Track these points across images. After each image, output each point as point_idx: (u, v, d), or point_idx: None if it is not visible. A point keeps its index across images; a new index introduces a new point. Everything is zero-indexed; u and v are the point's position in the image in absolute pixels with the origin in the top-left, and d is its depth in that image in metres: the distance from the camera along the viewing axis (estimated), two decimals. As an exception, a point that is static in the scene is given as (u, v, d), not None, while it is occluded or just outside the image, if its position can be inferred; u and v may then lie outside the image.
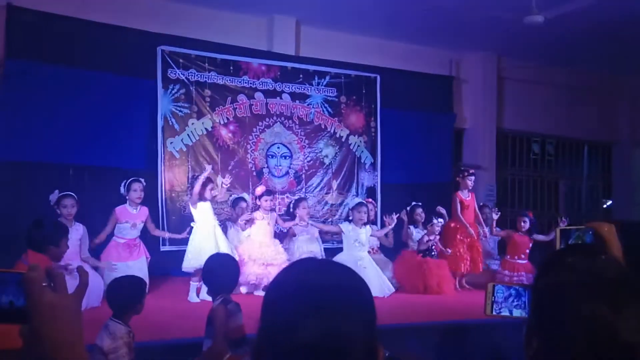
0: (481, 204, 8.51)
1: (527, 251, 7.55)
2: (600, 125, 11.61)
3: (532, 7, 7.32)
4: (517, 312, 1.56)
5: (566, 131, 11.32)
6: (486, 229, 7.83)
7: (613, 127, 11.87)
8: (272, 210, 7.28)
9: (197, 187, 6.53)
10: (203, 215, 6.60)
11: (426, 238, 7.34)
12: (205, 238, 6.41)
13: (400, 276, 7.28)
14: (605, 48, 9.62)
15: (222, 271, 3.66)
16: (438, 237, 7.42)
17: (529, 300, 1.45)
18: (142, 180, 6.54)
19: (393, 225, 7.26)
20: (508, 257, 7.67)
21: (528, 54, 10.10)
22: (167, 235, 7.09)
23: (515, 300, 1.56)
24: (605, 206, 12.45)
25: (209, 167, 6.89)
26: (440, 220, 7.45)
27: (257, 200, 7.12)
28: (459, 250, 7.53)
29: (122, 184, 6.47)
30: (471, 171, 7.99)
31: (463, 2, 7.98)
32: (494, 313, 1.57)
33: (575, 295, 1.11)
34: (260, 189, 7.36)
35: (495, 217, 7.73)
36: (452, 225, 7.70)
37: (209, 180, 6.76)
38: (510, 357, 4.28)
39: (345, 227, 7.20)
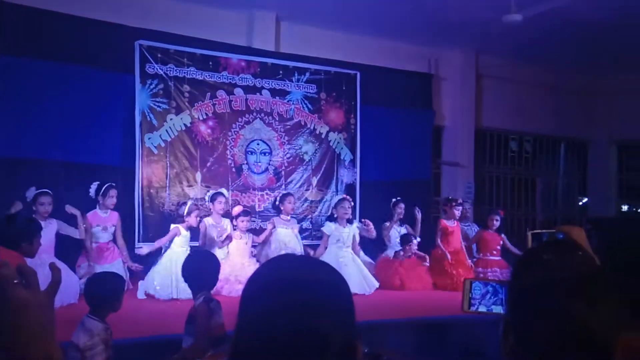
0: (459, 200, 8.57)
1: (499, 247, 7.67)
2: (577, 124, 11.77)
3: (510, 5, 7.39)
4: (495, 309, 1.57)
5: (543, 129, 11.46)
6: (468, 262, 7.82)
7: (589, 125, 12.03)
8: (249, 231, 7.25)
9: (163, 241, 6.50)
10: (176, 240, 6.56)
11: (402, 254, 7.44)
12: (175, 265, 6.16)
13: (377, 277, 7.32)
14: (582, 47, 9.74)
15: (202, 269, 3.64)
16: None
17: (505, 297, 1.46)
18: (114, 184, 6.51)
19: (374, 235, 7.38)
20: (481, 254, 7.76)
21: (506, 52, 10.18)
22: (126, 258, 6.64)
23: (492, 296, 1.57)
24: (580, 204, 12.63)
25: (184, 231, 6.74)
26: (416, 240, 7.56)
27: (234, 220, 7.08)
28: (451, 273, 7.50)
29: (94, 187, 6.40)
30: (459, 201, 8.04)
31: (442, 0, 8.02)
32: (471, 309, 1.58)
33: (551, 292, 1.12)
34: (237, 209, 7.29)
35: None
36: (439, 252, 7.69)
37: (194, 207, 6.72)
38: (488, 353, 4.32)
39: (328, 228, 7.24)
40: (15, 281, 0.94)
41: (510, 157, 11.59)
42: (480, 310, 1.57)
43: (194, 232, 6.86)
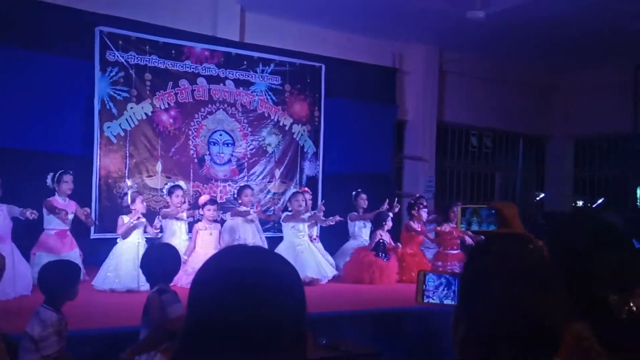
0: (417, 195, 8.67)
1: (458, 241, 7.74)
2: (536, 120, 12.03)
3: (474, 2, 7.49)
4: (447, 301, 1.60)
5: (503, 125, 11.67)
6: (428, 257, 7.92)
7: (548, 121, 12.33)
8: (217, 221, 7.04)
9: (126, 227, 6.27)
10: (133, 233, 6.38)
11: (380, 233, 7.44)
12: (127, 258, 6.07)
13: (348, 273, 7.33)
14: (542, 44, 9.94)
15: (159, 261, 3.59)
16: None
17: (457, 289, 1.48)
18: (71, 171, 6.34)
19: (332, 223, 7.38)
20: (441, 248, 7.86)
21: (469, 48, 10.33)
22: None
23: (445, 289, 1.60)
24: (537, 198, 12.93)
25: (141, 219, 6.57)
26: (390, 214, 7.60)
27: (201, 209, 6.92)
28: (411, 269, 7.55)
29: (50, 176, 6.25)
30: (425, 203, 8.08)
31: (407, -5, 8.08)
32: (424, 301, 1.60)
33: (500, 282, 1.14)
34: (203, 198, 7.14)
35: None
36: (400, 252, 7.72)
37: (135, 194, 6.56)
38: (443, 343, 4.39)
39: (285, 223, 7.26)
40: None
41: (471, 152, 11.78)
42: (433, 302, 1.59)
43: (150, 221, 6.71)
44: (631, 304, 1.41)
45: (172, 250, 3.84)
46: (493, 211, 1.77)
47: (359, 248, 7.57)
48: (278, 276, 0.97)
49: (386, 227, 7.52)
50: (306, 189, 8.21)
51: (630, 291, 1.44)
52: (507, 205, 1.79)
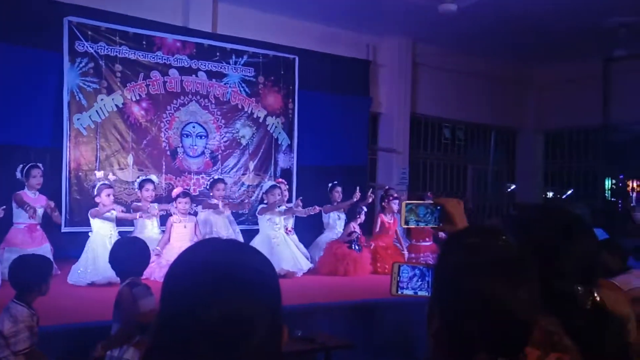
0: (387, 187, 8.70)
1: (430, 233, 7.80)
2: (507, 113, 12.18)
3: (446, -5, 7.54)
4: (421, 292, 1.60)
5: (475, 117, 11.80)
6: (403, 244, 7.98)
7: (519, 114, 12.50)
8: (190, 214, 6.97)
9: (104, 210, 6.20)
10: (102, 223, 6.29)
11: (353, 225, 7.48)
12: (102, 250, 5.93)
13: (321, 264, 7.34)
14: (514, 38, 10.06)
15: (128, 254, 3.55)
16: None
17: (431, 280, 1.49)
18: (41, 165, 6.22)
19: (312, 213, 7.39)
20: (413, 240, 7.92)
21: (442, 41, 10.40)
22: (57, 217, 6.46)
23: (419, 280, 1.60)
24: (509, 190, 13.12)
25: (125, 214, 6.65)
26: (364, 208, 7.64)
27: (174, 202, 6.85)
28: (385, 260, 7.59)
29: (19, 170, 6.12)
30: (395, 195, 8.12)
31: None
32: (398, 293, 1.61)
33: (473, 275, 1.15)
34: (176, 191, 7.05)
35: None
36: (374, 245, 7.77)
37: (107, 187, 6.46)
38: (418, 334, 4.44)
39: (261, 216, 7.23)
40: None
41: (444, 144, 11.88)
42: (407, 293, 1.60)
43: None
44: (595, 295, 1.44)
45: (139, 243, 3.79)
46: (438, 207, 1.75)
47: (332, 241, 7.59)
48: (252, 269, 0.96)
49: (359, 220, 7.57)
50: (281, 180, 8.19)
51: (595, 282, 1.47)
52: (452, 202, 1.76)
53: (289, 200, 7.99)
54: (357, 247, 7.41)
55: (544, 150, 12.92)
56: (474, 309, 1.13)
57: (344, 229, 7.70)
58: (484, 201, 12.40)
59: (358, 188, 7.79)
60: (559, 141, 12.75)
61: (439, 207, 1.74)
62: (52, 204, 6.29)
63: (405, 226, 1.89)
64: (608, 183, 11.95)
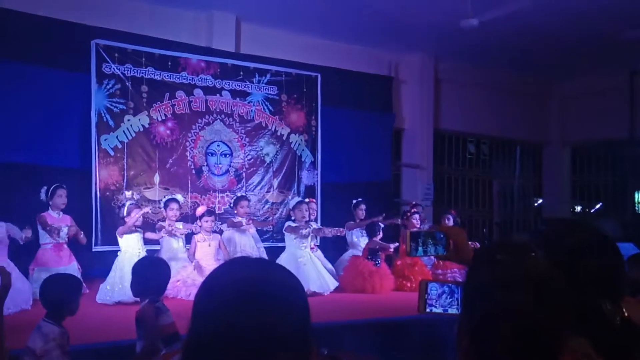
0: (413, 202, 8.65)
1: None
2: (532, 127, 12.06)
3: (467, 10, 7.52)
4: (451, 310, 1.59)
5: (500, 132, 11.70)
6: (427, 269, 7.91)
7: (544, 128, 12.36)
8: (215, 232, 7.01)
9: (132, 220, 6.30)
10: (129, 242, 6.37)
11: (374, 241, 7.46)
12: (130, 269, 6.01)
13: (345, 282, 7.31)
14: (537, 51, 9.99)
15: (149, 274, 3.57)
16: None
17: (461, 298, 1.48)
18: (65, 185, 6.34)
19: (338, 234, 7.38)
20: None
21: (464, 56, 10.37)
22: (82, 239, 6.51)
23: (448, 297, 1.59)
24: (536, 204, 12.94)
25: (146, 208, 6.80)
26: (382, 225, 7.62)
27: (198, 220, 6.90)
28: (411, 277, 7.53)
29: (43, 191, 6.24)
30: (414, 210, 8.07)
31: (401, 5, 8.11)
32: (427, 310, 1.59)
33: (503, 292, 1.14)
34: (201, 209, 7.09)
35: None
36: (400, 262, 7.75)
37: (136, 206, 6.56)
38: (447, 352, 4.38)
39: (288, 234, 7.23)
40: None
41: (468, 159, 11.80)
42: (435, 311, 1.58)
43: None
44: (624, 311, 1.41)
45: (162, 264, 3.82)
46: (441, 235, 1.73)
47: (354, 257, 7.56)
48: (283, 288, 0.96)
49: (378, 237, 7.54)
50: (312, 199, 8.15)
51: (621, 298, 1.45)
52: (455, 230, 1.76)
53: (316, 218, 7.97)
54: (377, 261, 7.40)
55: (570, 163, 12.73)
56: (503, 327, 1.12)
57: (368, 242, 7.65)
58: (511, 216, 12.24)
59: (384, 214, 7.76)
60: (586, 154, 12.56)
61: (442, 235, 1.73)
62: (74, 228, 6.36)
63: (411, 256, 1.87)
64: (638, 196, 11.72)
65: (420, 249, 1.74)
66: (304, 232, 7.13)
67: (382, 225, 7.71)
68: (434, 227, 7.82)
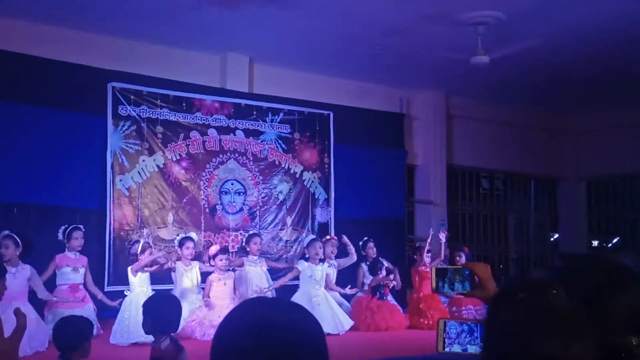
0: (427, 247, 8.61)
1: None
2: (546, 161, 12.02)
3: (478, 47, 7.59)
4: (471, 349, 1.56)
5: (514, 167, 11.66)
6: (442, 304, 7.85)
7: (558, 162, 12.30)
8: (229, 270, 6.97)
9: (146, 259, 6.32)
10: (141, 282, 6.37)
11: (377, 279, 7.42)
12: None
13: (356, 320, 7.22)
14: (550, 87, 10.02)
15: (165, 311, 3.54)
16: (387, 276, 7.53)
17: (481, 336, 1.46)
18: (82, 227, 6.39)
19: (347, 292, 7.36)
20: (453, 293, 7.72)
21: (476, 92, 10.42)
22: (100, 295, 6.48)
23: (467, 336, 1.57)
24: (552, 239, 12.79)
25: (159, 253, 6.75)
26: (385, 264, 7.61)
27: (212, 260, 6.89)
28: (427, 313, 7.47)
29: (61, 231, 6.30)
30: (427, 248, 8.05)
31: (412, 42, 8.20)
32: (446, 350, 1.57)
33: (526, 331, 1.12)
34: (214, 248, 7.06)
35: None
36: (414, 296, 7.71)
37: (149, 246, 6.58)
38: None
39: (302, 265, 7.21)
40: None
41: (482, 195, 11.74)
42: (455, 350, 1.56)
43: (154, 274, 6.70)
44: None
45: (174, 301, 3.78)
46: (467, 272, 1.72)
47: (359, 297, 7.50)
48: (301, 329, 0.96)
49: (381, 275, 7.48)
50: (334, 237, 8.10)
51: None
52: (480, 266, 1.74)
53: (339, 257, 7.92)
54: (382, 296, 7.36)
55: (586, 198, 12.62)
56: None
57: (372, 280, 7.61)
58: (527, 251, 12.09)
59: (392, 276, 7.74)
60: (602, 188, 12.46)
61: (467, 272, 1.72)
62: (99, 294, 6.41)
63: (437, 292, 1.88)
64: (656, 230, 11.56)
65: (446, 285, 1.74)
66: (317, 266, 7.15)
67: (385, 264, 7.66)
68: (465, 253, 7.82)
